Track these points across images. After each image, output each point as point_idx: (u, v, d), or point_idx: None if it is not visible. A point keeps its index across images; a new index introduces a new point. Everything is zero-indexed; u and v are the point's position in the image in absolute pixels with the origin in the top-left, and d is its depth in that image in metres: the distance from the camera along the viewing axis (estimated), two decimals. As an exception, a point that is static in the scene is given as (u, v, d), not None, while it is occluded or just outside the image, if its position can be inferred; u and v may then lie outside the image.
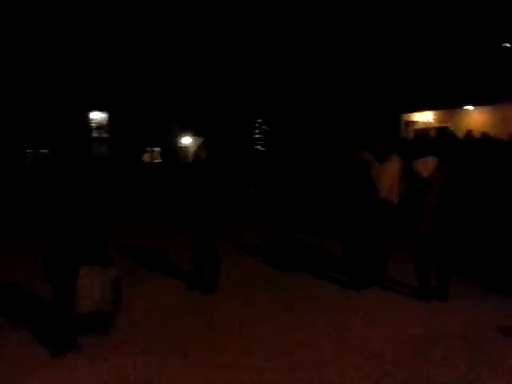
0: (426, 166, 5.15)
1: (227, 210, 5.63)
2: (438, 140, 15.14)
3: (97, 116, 23.73)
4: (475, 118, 19.35)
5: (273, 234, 9.22)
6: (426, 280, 5.26)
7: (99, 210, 4.27)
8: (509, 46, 18.74)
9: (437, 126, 20.28)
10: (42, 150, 21.75)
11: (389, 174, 5.59)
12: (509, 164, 9.79)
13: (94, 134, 23.76)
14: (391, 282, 5.86)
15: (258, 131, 21.51)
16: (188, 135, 24.69)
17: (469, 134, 15.50)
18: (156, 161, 24.68)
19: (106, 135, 24.12)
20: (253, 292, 5.72)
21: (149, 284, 5.99)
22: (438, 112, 20.78)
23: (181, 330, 4.56)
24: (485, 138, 15.05)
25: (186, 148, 25.18)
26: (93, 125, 23.64)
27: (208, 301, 5.44)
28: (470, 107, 19.53)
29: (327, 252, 7.53)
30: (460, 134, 16.59)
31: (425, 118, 21.21)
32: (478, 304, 5.09)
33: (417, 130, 20.71)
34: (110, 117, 23.56)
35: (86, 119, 23.35)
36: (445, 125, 19.69)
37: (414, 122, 21.59)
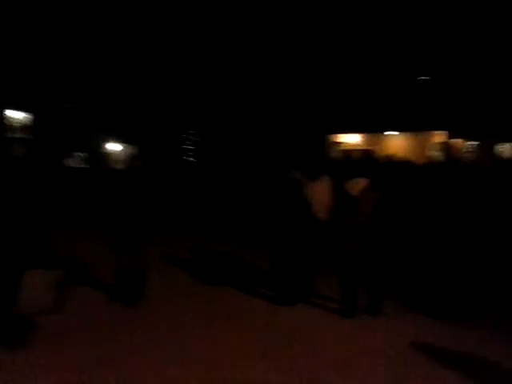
0: (356, 186, 5.42)
1: (156, 221, 5.55)
2: (362, 162, 15.95)
3: (21, 116, 22.34)
4: (397, 142, 20.71)
5: (203, 247, 9.13)
6: (350, 297, 5.43)
7: (43, 213, 4.09)
8: (424, 78, 20.30)
9: (362, 148, 21.41)
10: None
11: (320, 193, 5.82)
12: (424, 187, 10.55)
13: (18, 135, 22.28)
14: (318, 299, 6.01)
15: (189, 142, 21.35)
16: (117, 142, 23.97)
17: (389, 157, 16.56)
18: (82, 166, 23.63)
19: (30, 136, 22.73)
20: (176, 306, 5.65)
21: (69, 298, 5.69)
22: (364, 135, 21.96)
23: (102, 343, 4.45)
24: (404, 162, 16.16)
25: (114, 154, 24.38)
26: (16, 125, 22.19)
27: (129, 314, 5.30)
28: (392, 132, 20.85)
29: (257, 267, 7.58)
30: (381, 156, 17.65)
31: (351, 139, 22.30)
32: (400, 322, 5.34)
33: (343, 150, 21.69)
34: (35, 118, 22.26)
35: (1, 118, 21.83)
36: (369, 147, 20.86)
37: (340, 143, 22.61)
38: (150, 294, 5.70)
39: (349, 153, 20.63)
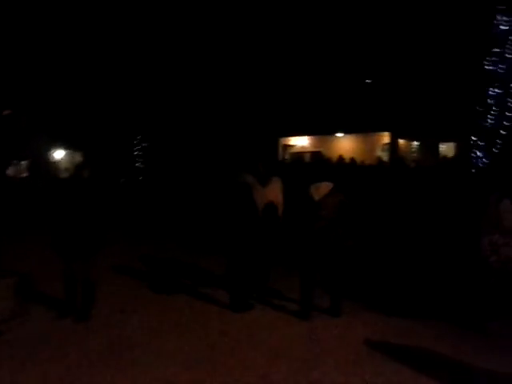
0: (320, 190, 5.38)
1: (106, 231, 5.29)
2: (314, 164, 16.12)
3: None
4: (345, 144, 21.12)
5: (155, 254, 8.84)
6: (308, 300, 5.39)
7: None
8: (369, 81, 20.90)
9: (311, 150, 21.69)
10: None
11: (271, 197, 5.73)
12: (375, 188, 10.77)
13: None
14: (275, 302, 5.92)
15: (137, 148, 20.77)
16: (61, 149, 22.98)
17: (340, 158, 16.87)
18: (23, 175, 22.48)
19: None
20: (128, 318, 5.37)
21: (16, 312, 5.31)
22: (313, 137, 22.26)
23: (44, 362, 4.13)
24: (353, 163, 16.50)
25: (58, 162, 23.39)
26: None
27: (80, 329, 4.99)
28: (340, 134, 21.25)
29: (211, 272, 7.39)
30: (332, 157, 17.94)
31: (300, 142, 22.55)
32: (359, 321, 5.30)
33: (293, 153, 21.89)
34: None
35: None
36: (319, 149, 21.15)
37: (291, 145, 22.81)
38: (101, 306, 5.44)
39: (299, 155, 20.86)
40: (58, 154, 24.23)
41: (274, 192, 5.79)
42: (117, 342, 4.70)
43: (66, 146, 22.22)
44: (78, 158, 20.54)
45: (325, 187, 5.43)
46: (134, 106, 19.94)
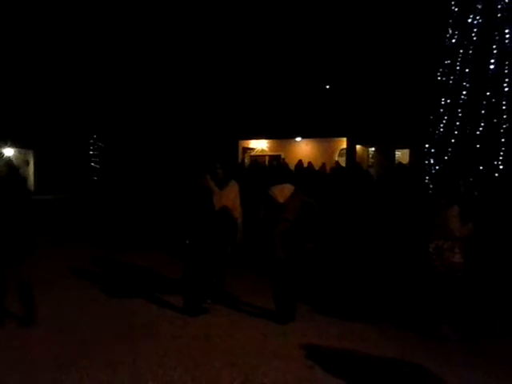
0: (283, 192, 5.35)
1: (34, 232, 5.05)
2: (273, 167, 16.19)
3: None
4: (304, 148, 21.35)
5: (106, 257, 8.60)
6: (283, 303, 5.37)
7: None
8: (328, 87, 21.25)
9: (270, 153, 21.80)
10: None
11: (228, 200, 5.68)
12: (329, 192, 10.95)
13: None
14: (230, 305, 5.89)
15: (93, 148, 20.13)
16: (10, 147, 21.91)
17: (300, 163, 17.02)
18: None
19: None
20: (76, 322, 5.20)
21: None
22: (272, 141, 22.38)
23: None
24: (311, 168, 16.70)
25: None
26: None
27: (21, 335, 4.76)
28: (299, 138, 21.47)
29: (165, 277, 7.28)
30: (289, 161, 18.10)
31: (260, 145, 22.61)
32: (313, 327, 5.31)
33: (252, 156, 21.93)
34: None
35: None
36: (278, 153, 21.29)
37: (250, 148, 22.83)
38: (47, 311, 5.25)
39: (257, 158, 20.93)
40: (7, 152, 23.17)
41: (232, 196, 5.75)
42: (65, 349, 4.51)
43: (15, 144, 21.22)
44: (29, 156, 19.72)
45: (289, 189, 5.43)
46: (89, 104, 19.33)
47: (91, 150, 19.92)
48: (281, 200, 5.31)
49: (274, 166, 15.89)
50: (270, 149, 22.49)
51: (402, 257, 7.15)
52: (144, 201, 12.05)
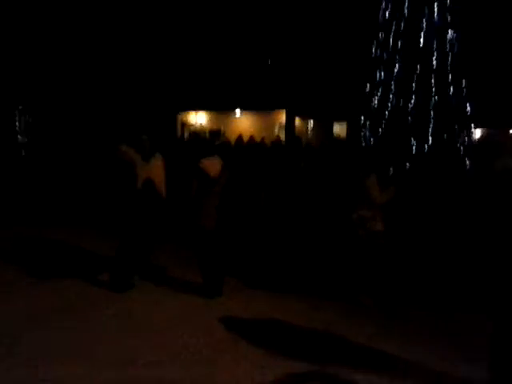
0: (214, 166, 5.25)
1: None
2: (212, 143, 15.95)
3: None
4: (244, 122, 21.20)
5: (36, 236, 8.11)
6: (211, 277, 5.32)
7: None
8: (269, 60, 21.11)
9: (210, 128, 21.49)
10: None
11: (154, 173, 5.51)
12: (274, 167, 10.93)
13: None
14: (157, 280, 5.81)
15: (19, 120, 18.86)
16: None
17: (239, 138, 16.88)
18: None
19: None
20: (10, 304, 5.00)
21: None
22: (212, 114, 22.04)
23: None
24: (252, 142, 16.63)
25: None
26: None
27: None
28: (239, 112, 21.27)
29: (96, 253, 7.01)
30: (230, 135, 17.95)
31: (199, 120, 22.22)
32: (240, 301, 5.32)
33: (192, 131, 21.54)
34: None
35: None
36: (217, 128, 21.01)
37: (189, 124, 22.39)
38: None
39: (196, 132, 20.58)
40: None
41: (157, 169, 5.57)
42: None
43: None
44: None
45: (219, 163, 5.35)
46: (13, 75, 17.99)
47: (17, 124, 18.69)
48: (212, 174, 5.22)
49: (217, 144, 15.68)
50: (210, 123, 22.15)
51: (328, 228, 7.28)
52: (73, 176, 11.50)
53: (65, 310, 4.88)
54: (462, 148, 12.93)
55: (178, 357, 3.97)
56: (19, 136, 18.41)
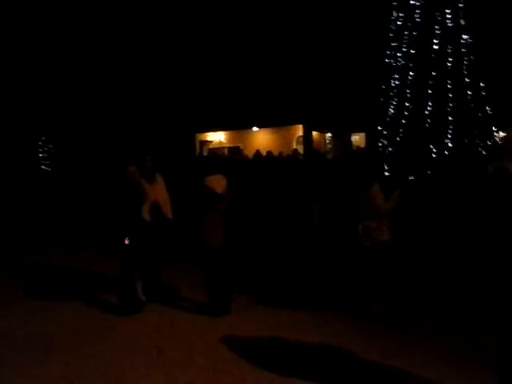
0: (220, 183, 5.26)
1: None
2: (230, 159, 16.05)
3: None
4: (262, 138, 21.28)
5: (48, 258, 8.27)
6: (218, 295, 5.27)
7: None
8: (286, 76, 21.20)
9: (228, 145, 21.63)
10: None
11: (159, 194, 5.53)
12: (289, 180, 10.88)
13: None
14: (165, 302, 5.78)
15: (42, 150, 19.39)
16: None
17: (257, 153, 16.95)
18: None
19: None
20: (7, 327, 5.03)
21: None
22: (229, 132, 22.20)
23: None
24: (270, 157, 16.66)
25: None
26: None
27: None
28: (256, 128, 21.37)
29: (104, 275, 7.00)
30: (249, 152, 18.01)
31: (217, 137, 22.39)
32: (252, 319, 5.20)
33: (210, 149, 21.71)
34: None
35: None
36: (236, 144, 21.13)
37: (208, 141, 22.59)
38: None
39: (215, 150, 20.72)
40: None
41: (161, 189, 5.60)
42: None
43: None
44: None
45: (224, 180, 5.34)
46: (36, 106, 18.56)
47: (41, 153, 19.21)
48: (219, 191, 5.21)
49: (236, 159, 15.77)
50: (228, 140, 22.30)
51: (335, 240, 7.11)
52: (92, 199, 11.70)
53: (68, 336, 4.88)
54: (483, 151, 12.66)
55: (183, 377, 3.91)
56: (42, 165, 18.91)
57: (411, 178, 11.23)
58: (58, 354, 4.42)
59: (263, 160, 16.16)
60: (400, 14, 13.50)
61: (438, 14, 12.68)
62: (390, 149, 14.28)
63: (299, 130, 21.14)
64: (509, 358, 2.86)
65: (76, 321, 5.25)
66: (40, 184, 16.17)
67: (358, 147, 20.75)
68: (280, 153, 17.00)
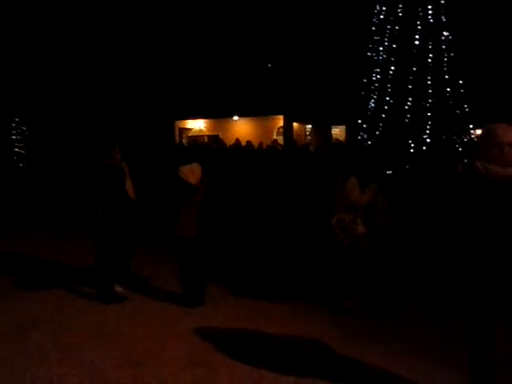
0: (194, 173, 5.15)
1: None
2: (209, 148, 15.92)
3: None
4: (242, 127, 21.15)
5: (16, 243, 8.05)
6: (192, 286, 5.21)
7: None
8: (270, 66, 21.08)
9: (208, 133, 21.45)
10: None
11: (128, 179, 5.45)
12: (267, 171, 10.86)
13: None
14: (143, 291, 5.71)
15: (15, 132, 18.84)
16: None
17: (237, 142, 16.85)
18: None
19: None
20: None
21: None
22: (210, 120, 21.99)
23: None
24: (249, 147, 16.58)
25: None
26: None
27: None
28: (236, 117, 21.22)
29: (78, 260, 6.87)
30: (229, 141, 17.89)
31: (197, 125, 22.17)
32: (225, 310, 5.17)
33: (190, 136, 21.50)
34: None
35: None
36: (215, 133, 20.96)
37: (187, 129, 22.34)
38: None
39: (195, 138, 20.51)
40: None
41: (128, 175, 5.51)
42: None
43: None
44: None
45: (198, 169, 5.24)
46: (8, 87, 17.97)
47: (14, 135, 18.67)
48: (193, 181, 5.12)
49: (213, 148, 15.62)
50: (208, 129, 22.10)
51: (309, 232, 7.11)
52: (67, 184, 11.45)
53: (44, 321, 4.77)
54: (460, 148, 12.84)
55: (154, 368, 3.84)
56: (16, 148, 18.43)
57: (389, 172, 11.30)
58: (22, 344, 4.30)
59: (242, 150, 16.11)
60: (383, 8, 13.49)
61: (419, 9, 12.72)
62: (368, 142, 14.35)
63: (280, 121, 21.09)
64: (477, 349, 2.91)
65: (44, 310, 5.11)
66: (13, 168, 15.76)
67: (337, 140, 20.84)
68: (260, 143, 16.94)
